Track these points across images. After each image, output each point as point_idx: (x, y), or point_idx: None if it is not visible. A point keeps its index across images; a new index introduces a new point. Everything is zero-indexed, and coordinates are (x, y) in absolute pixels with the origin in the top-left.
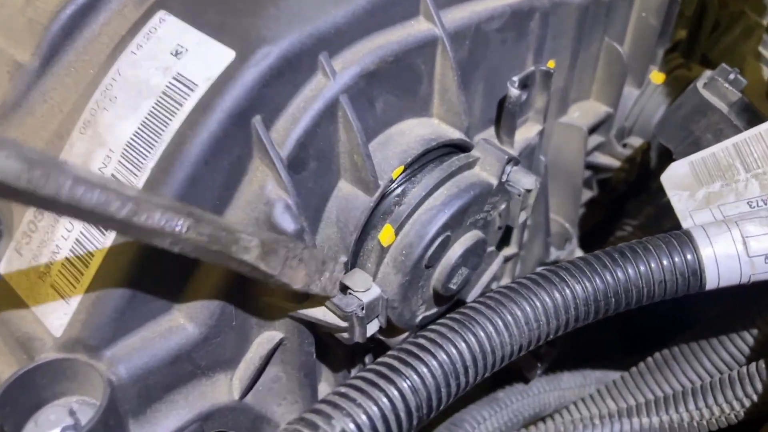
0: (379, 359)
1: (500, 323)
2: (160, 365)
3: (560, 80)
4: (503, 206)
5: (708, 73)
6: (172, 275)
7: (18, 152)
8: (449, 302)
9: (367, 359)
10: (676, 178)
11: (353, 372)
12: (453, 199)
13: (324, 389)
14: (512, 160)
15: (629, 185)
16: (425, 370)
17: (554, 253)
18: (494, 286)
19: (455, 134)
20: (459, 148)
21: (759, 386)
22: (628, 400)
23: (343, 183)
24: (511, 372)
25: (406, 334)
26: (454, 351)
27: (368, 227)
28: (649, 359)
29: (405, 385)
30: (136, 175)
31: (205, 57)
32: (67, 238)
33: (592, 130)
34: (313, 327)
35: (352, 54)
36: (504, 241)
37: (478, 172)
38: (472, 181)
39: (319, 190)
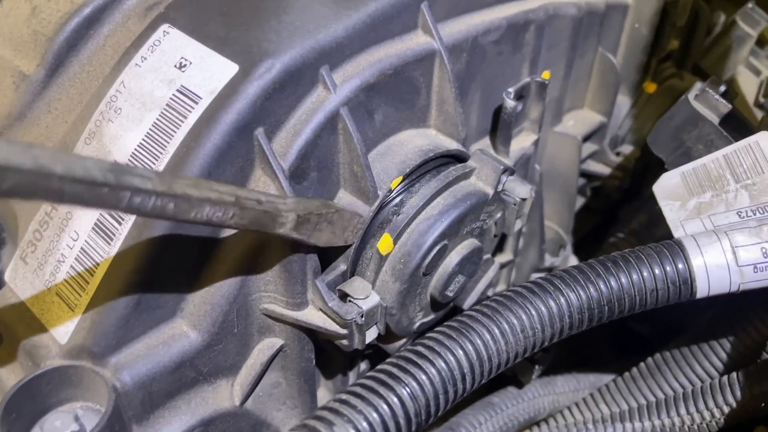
0: (379, 366)
1: (497, 331)
2: (164, 372)
3: (555, 90)
4: (499, 215)
5: (699, 84)
6: (175, 284)
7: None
8: (446, 309)
9: (363, 365)
10: (667, 188)
11: (351, 378)
12: (450, 208)
13: (323, 395)
14: (508, 170)
15: (622, 193)
16: (424, 377)
17: (549, 260)
18: (490, 292)
19: (452, 145)
20: (456, 158)
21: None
22: (620, 404)
23: (342, 192)
24: (505, 377)
25: (404, 340)
26: (452, 359)
27: (367, 236)
28: (642, 364)
29: (404, 392)
30: None
31: (209, 70)
32: (73, 247)
33: (586, 138)
34: (313, 334)
35: (353, 67)
36: (500, 249)
37: (475, 182)
38: (468, 191)
39: None
